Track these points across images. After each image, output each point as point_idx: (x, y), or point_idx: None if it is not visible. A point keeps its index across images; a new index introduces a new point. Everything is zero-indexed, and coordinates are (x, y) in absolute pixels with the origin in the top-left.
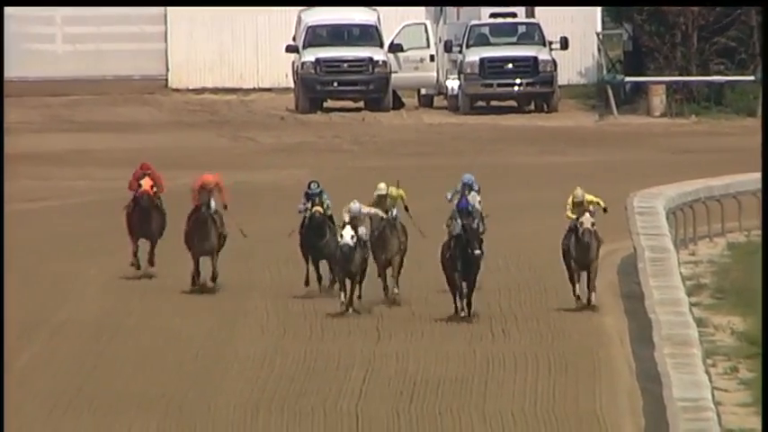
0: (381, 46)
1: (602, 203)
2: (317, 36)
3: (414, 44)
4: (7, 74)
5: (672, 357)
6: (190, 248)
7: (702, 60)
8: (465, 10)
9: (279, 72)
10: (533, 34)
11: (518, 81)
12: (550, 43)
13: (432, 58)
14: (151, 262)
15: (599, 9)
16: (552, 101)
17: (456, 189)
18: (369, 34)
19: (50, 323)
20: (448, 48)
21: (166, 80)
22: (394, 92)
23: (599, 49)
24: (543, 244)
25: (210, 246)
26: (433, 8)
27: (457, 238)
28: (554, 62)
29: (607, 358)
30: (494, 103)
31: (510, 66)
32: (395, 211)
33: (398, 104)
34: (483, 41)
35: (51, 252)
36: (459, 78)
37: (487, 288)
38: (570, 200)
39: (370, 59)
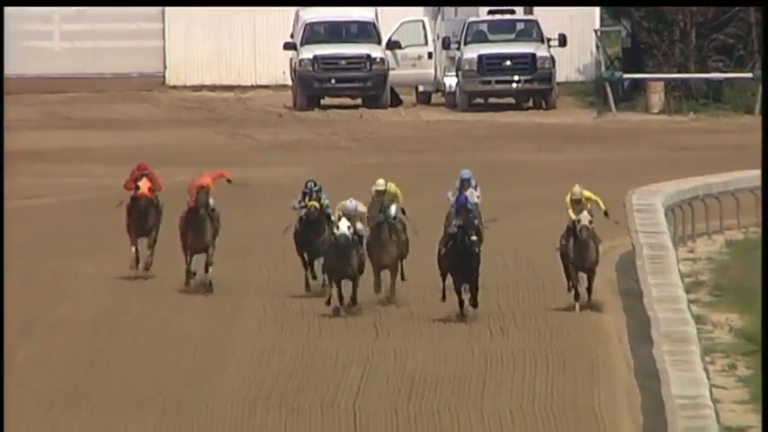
0: (379, 43)
1: (602, 205)
2: (314, 33)
3: (412, 41)
4: (5, 71)
5: (670, 354)
6: (184, 247)
7: (701, 57)
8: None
9: (276, 69)
10: (531, 31)
11: (516, 78)
12: (549, 40)
13: (430, 55)
14: (147, 267)
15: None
16: (550, 98)
17: (456, 187)
18: (366, 31)
19: (48, 320)
20: (446, 45)
21: (164, 77)
22: (392, 89)
23: (597, 46)
24: (541, 241)
25: (205, 243)
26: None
27: (454, 234)
28: (552, 59)
29: (605, 355)
30: (492, 100)
31: (508, 63)
32: (393, 211)
33: (396, 101)
34: (481, 38)
35: (49, 249)
36: (457, 75)
37: (486, 285)
38: (569, 197)
39: (368, 56)
